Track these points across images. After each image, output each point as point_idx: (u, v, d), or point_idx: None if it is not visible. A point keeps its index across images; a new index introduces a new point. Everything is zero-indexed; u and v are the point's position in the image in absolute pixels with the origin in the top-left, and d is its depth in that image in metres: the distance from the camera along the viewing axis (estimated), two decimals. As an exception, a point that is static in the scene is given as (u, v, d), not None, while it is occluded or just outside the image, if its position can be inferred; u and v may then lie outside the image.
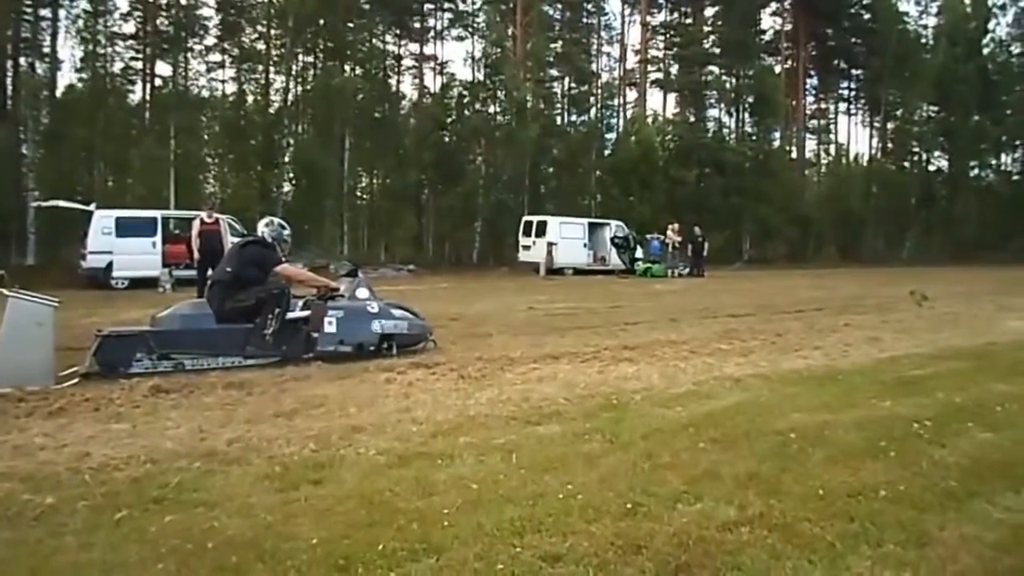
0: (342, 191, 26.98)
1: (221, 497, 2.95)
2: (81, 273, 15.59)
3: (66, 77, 26.57)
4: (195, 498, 2.95)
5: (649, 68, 35.92)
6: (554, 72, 33.86)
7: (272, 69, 27.49)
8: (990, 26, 37.46)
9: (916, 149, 38.49)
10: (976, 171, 38.47)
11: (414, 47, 34.66)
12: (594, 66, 35.72)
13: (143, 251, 15.40)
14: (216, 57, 28.72)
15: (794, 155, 37.56)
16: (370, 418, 4.24)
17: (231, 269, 6.07)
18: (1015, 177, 38.42)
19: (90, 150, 22.67)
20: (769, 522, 2.72)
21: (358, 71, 28.43)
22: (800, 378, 5.64)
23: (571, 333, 8.29)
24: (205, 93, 27.83)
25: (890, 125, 39.57)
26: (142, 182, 23.18)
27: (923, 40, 38.27)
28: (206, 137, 27.18)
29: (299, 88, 27.46)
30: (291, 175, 25.90)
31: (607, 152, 32.34)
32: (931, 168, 38.57)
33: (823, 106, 41.97)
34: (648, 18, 35.76)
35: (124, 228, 15.50)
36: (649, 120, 33.11)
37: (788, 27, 38.04)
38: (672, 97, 37.90)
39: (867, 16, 37.32)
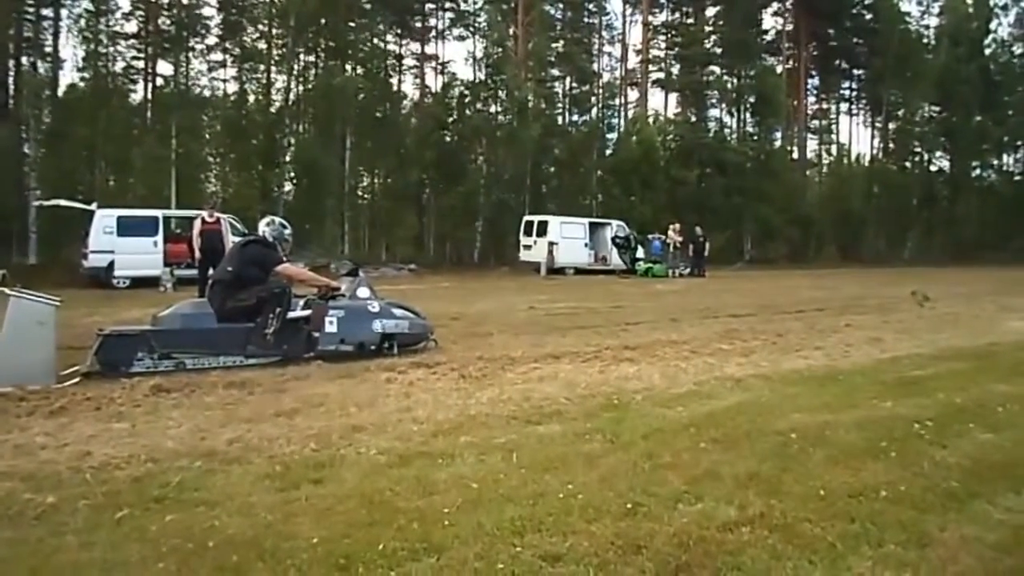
0: (343, 190, 26.99)
1: (222, 496, 2.96)
2: (82, 272, 15.61)
3: (68, 76, 26.76)
4: (196, 497, 2.95)
5: (650, 68, 35.93)
6: (555, 72, 33.84)
7: (273, 68, 27.52)
8: (992, 26, 37.41)
9: (918, 149, 38.45)
10: (978, 171, 38.37)
11: (415, 47, 34.77)
12: (595, 66, 35.74)
13: (144, 250, 15.41)
14: (217, 56, 28.84)
15: (795, 155, 37.51)
16: (371, 417, 4.24)
17: (232, 268, 6.07)
18: (1017, 177, 38.34)
19: (91, 149, 22.68)
20: (770, 522, 2.72)
21: (359, 71, 28.43)
22: (801, 378, 5.63)
23: (572, 333, 8.29)
24: (207, 92, 27.94)
25: (891, 125, 39.52)
26: (143, 181, 23.20)
27: (925, 40, 38.23)
28: (207, 136, 27.21)
29: (300, 87, 27.52)
30: (292, 174, 25.92)
31: (608, 152, 32.33)
32: (933, 168, 38.54)
33: (824, 106, 41.95)
34: (649, 18, 35.76)
35: (125, 227, 15.51)
36: (650, 120, 33.09)
37: (789, 27, 38.02)
38: (673, 97, 37.97)
39: (869, 16, 37.31)
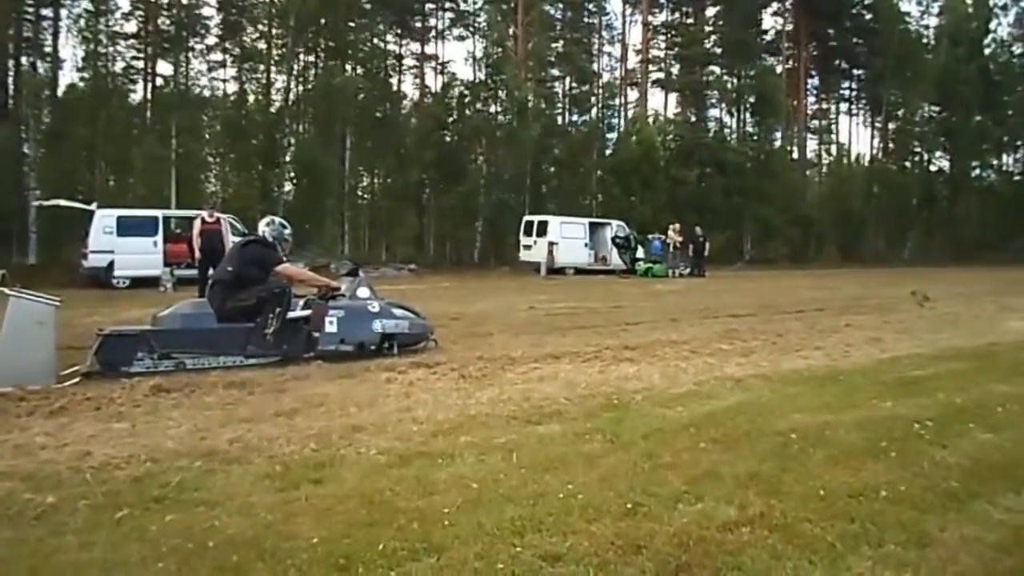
0: (343, 190, 26.98)
1: (222, 496, 2.96)
2: (82, 272, 15.61)
3: (67, 76, 26.74)
4: (196, 497, 2.95)
5: (650, 68, 35.92)
6: (555, 72, 33.84)
7: (273, 68, 27.51)
8: (992, 26, 37.42)
9: (917, 149, 38.45)
10: (978, 171, 38.39)
11: (415, 47, 34.75)
12: (595, 66, 35.73)
13: (144, 250, 15.41)
14: (217, 56, 28.82)
15: (795, 155, 37.50)
16: (371, 417, 4.24)
17: (232, 268, 6.07)
18: (1016, 177, 38.34)
19: (91, 149, 22.67)
20: (770, 522, 2.72)
21: (359, 70, 28.42)
22: (801, 378, 5.64)
23: (572, 333, 8.29)
24: (206, 92, 27.91)
25: (891, 125, 39.51)
26: (143, 181, 23.19)
27: (924, 40, 38.22)
28: (207, 136, 27.20)
29: (300, 87, 27.52)
30: (292, 174, 25.92)
31: (608, 152, 32.32)
32: (932, 168, 38.54)
33: (824, 106, 41.93)
34: (649, 18, 35.76)
35: (125, 227, 15.51)
36: (650, 120, 33.09)
37: (789, 27, 38.02)
38: (673, 97, 37.95)
39: (868, 16, 37.28)
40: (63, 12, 23.44)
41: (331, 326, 6.16)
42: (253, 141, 25.75)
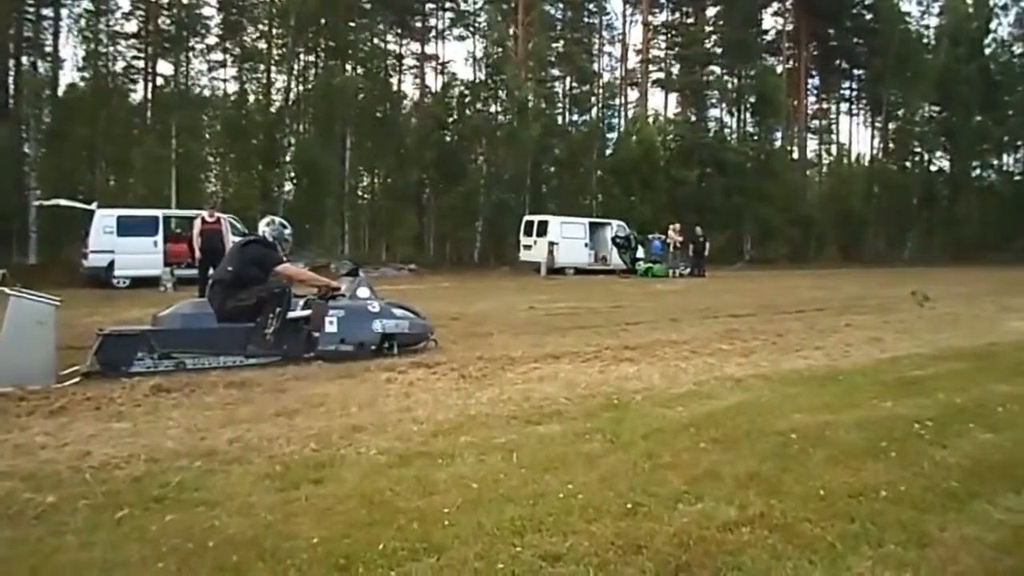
0: (343, 190, 26.99)
1: (222, 496, 2.96)
2: (82, 272, 15.61)
3: (68, 76, 26.76)
4: (196, 497, 2.95)
5: (650, 68, 35.92)
6: (555, 72, 33.83)
7: (274, 68, 27.51)
8: (992, 26, 37.42)
9: (918, 149, 38.45)
10: (978, 171, 38.40)
11: (415, 47, 34.75)
12: (595, 66, 35.73)
13: (144, 250, 15.41)
14: (218, 56, 28.81)
15: (795, 155, 37.51)
16: (371, 417, 4.24)
17: (232, 268, 6.07)
18: (1017, 177, 38.35)
19: (92, 149, 22.67)
20: (770, 522, 2.72)
21: (359, 70, 28.43)
22: (801, 378, 5.64)
23: (572, 333, 8.29)
24: (207, 92, 27.92)
25: (892, 125, 39.51)
26: (143, 181, 23.20)
27: (925, 40, 38.21)
28: (207, 136, 27.20)
29: (300, 87, 27.52)
30: (292, 174, 25.92)
31: (608, 152, 32.31)
32: (933, 168, 38.54)
33: (825, 106, 41.91)
34: (649, 18, 35.76)
35: (125, 227, 15.51)
36: (650, 120, 33.10)
37: (790, 27, 38.01)
38: (673, 97, 37.95)
39: (869, 16, 37.29)
40: (63, 12, 23.50)
41: (331, 326, 6.15)
42: (253, 141, 25.75)
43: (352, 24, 28.25)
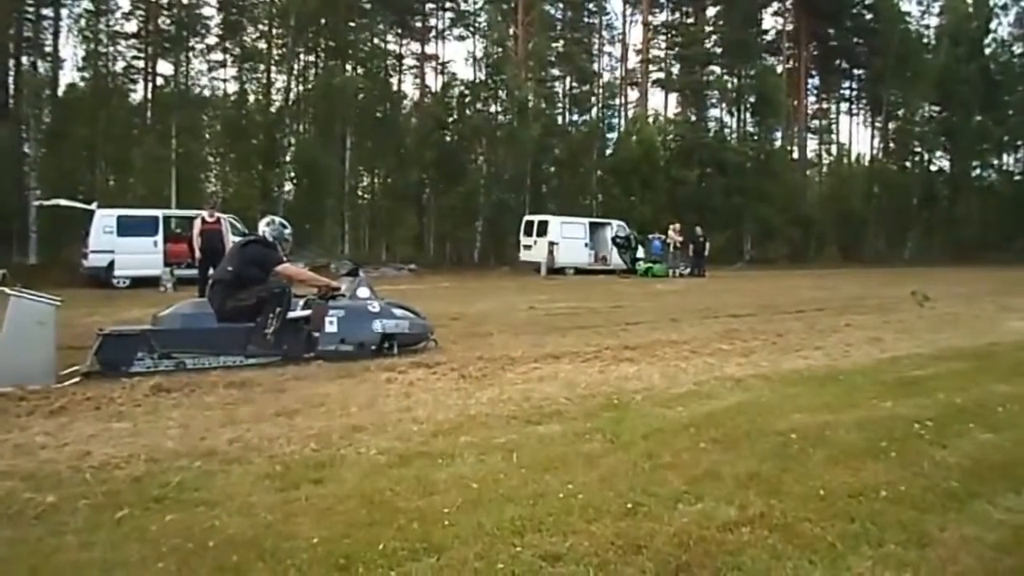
0: (343, 190, 26.99)
1: (222, 496, 2.96)
2: (82, 272, 15.61)
3: (68, 76, 26.75)
4: (196, 497, 2.95)
5: (650, 68, 35.91)
6: (555, 72, 33.83)
7: (274, 68, 27.50)
8: (992, 26, 37.41)
9: (918, 149, 38.44)
10: (978, 171, 38.39)
11: (415, 46, 34.74)
12: (595, 66, 35.72)
13: (144, 250, 15.41)
14: (218, 56, 28.80)
15: (795, 155, 37.50)
16: (371, 417, 4.24)
17: (232, 268, 6.07)
18: (1017, 177, 38.33)
19: (92, 149, 22.67)
20: (770, 522, 2.72)
21: (359, 70, 28.43)
22: (801, 378, 5.64)
23: (572, 333, 8.29)
24: (207, 92, 27.91)
25: (892, 125, 39.50)
26: (143, 181, 23.20)
27: (925, 40, 38.20)
28: (207, 136, 27.20)
29: (300, 87, 27.51)
30: (292, 174, 25.92)
31: (608, 152, 32.32)
32: (933, 168, 38.54)
33: (825, 106, 41.91)
34: (649, 18, 35.76)
35: (125, 227, 15.51)
36: (650, 120, 33.10)
37: (790, 27, 38.01)
38: (673, 97, 37.94)
39: (869, 16, 37.29)
40: (63, 12, 23.50)
41: (331, 326, 6.16)
42: (253, 141, 25.75)
43: (352, 24, 28.24)
